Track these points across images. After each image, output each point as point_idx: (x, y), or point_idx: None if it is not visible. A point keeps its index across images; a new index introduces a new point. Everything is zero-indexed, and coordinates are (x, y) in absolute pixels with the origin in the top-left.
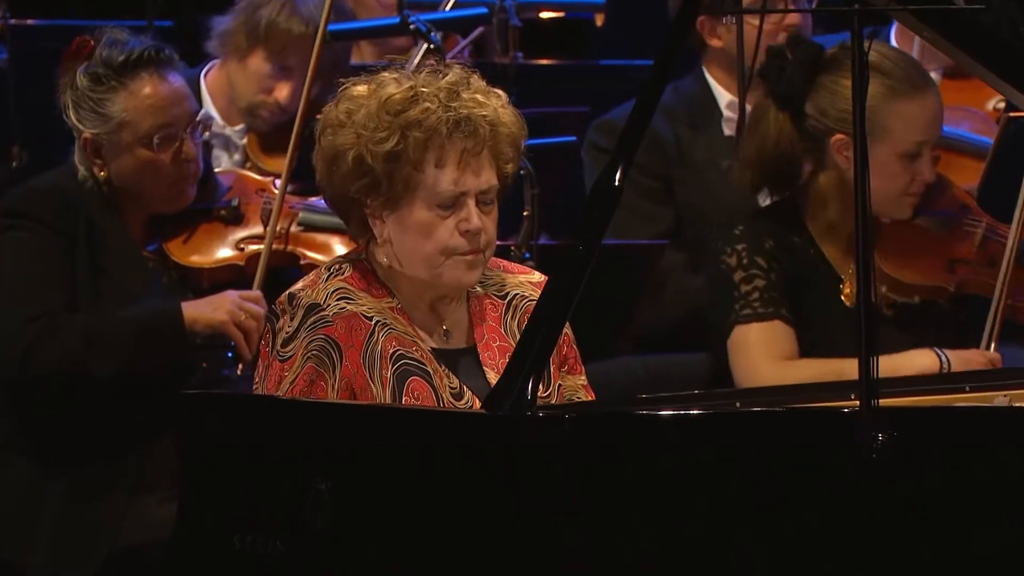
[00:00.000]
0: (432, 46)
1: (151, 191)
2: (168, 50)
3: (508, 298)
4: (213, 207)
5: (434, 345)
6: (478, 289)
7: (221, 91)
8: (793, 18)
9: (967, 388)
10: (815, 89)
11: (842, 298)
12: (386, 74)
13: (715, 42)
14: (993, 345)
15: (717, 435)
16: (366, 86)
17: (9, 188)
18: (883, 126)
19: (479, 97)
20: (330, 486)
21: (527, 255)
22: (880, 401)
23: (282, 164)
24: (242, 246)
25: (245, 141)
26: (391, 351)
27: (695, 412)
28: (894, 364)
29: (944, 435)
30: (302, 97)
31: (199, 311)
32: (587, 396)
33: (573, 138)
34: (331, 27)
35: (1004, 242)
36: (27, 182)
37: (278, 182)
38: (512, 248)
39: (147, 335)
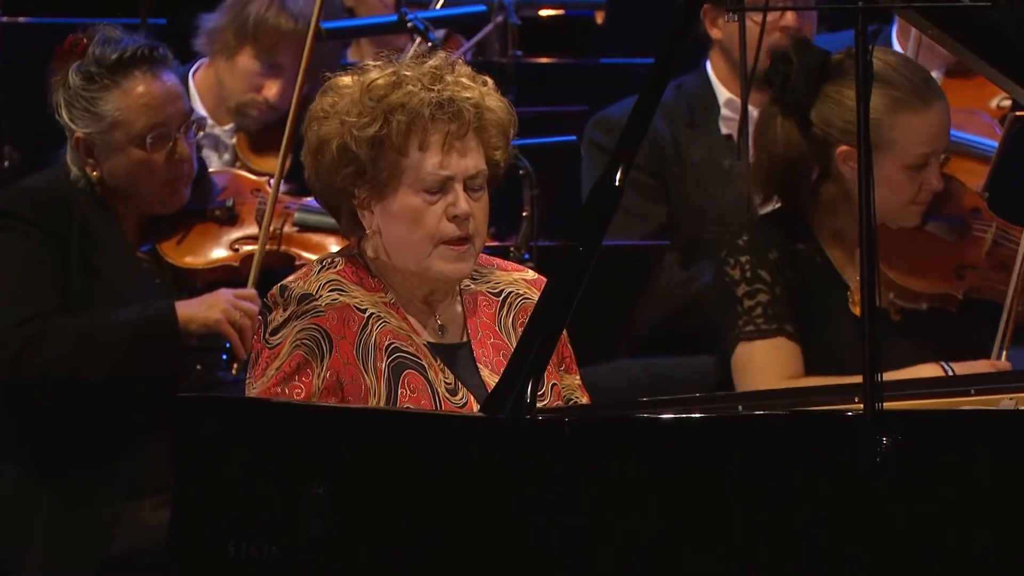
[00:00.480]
0: (431, 44)
1: (144, 191)
2: (162, 49)
3: (502, 295)
4: (207, 207)
5: (429, 339)
6: (472, 286)
7: (210, 90)
8: (789, 19)
9: (972, 391)
10: (819, 98)
11: (849, 305)
12: (370, 62)
13: (715, 32)
14: (1004, 353)
15: (719, 439)
16: (350, 77)
17: (0, 188)
18: (888, 138)
19: (464, 80)
20: (327, 491)
21: (526, 256)
22: (885, 404)
23: (273, 163)
24: (236, 247)
25: (235, 140)
26: (386, 343)
27: (696, 416)
28: (901, 377)
29: (949, 438)
30: (294, 96)
31: (193, 311)
32: (583, 396)
33: (573, 137)
34: (327, 25)
35: (1015, 246)
36: (18, 182)
37: (272, 182)
38: (511, 249)
39: (141, 336)
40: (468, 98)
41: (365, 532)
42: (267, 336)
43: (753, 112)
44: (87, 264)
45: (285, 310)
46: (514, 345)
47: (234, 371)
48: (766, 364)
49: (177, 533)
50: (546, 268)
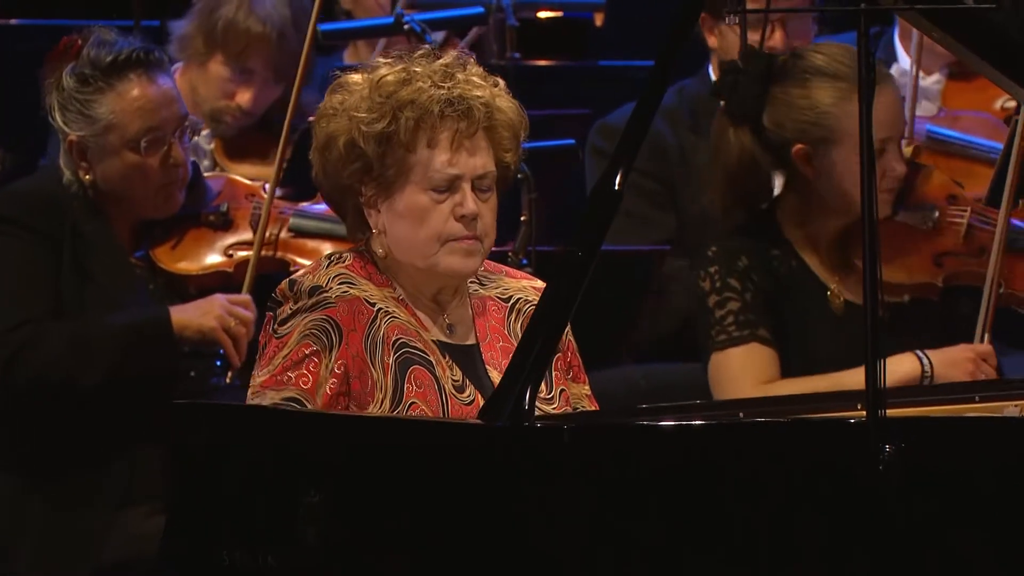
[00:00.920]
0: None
1: (138, 196)
2: (157, 52)
3: (511, 301)
4: (201, 212)
5: (437, 337)
6: (481, 290)
7: (185, 96)
8: (777, 41)
9: (977, 398)
10: (769, 102)
11: (831, 307)
12: (380, 59)
13: (711, 40)
14: (987, 336)
15: (720, 447)
16: (360, 74)
17: None
18: (840, 129)
19: (475, 79)
20: (322, 498)
21: (524, 261)
22: (887, 411)
23: (250, 169)
24: (231, 252)
25: (212, 146)
26: (394, 338)
27: (697, 423)
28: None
29: (953, 446)
30: (291, 101)
31: (188, 317)
32: (591, 406)
33: (572, 141)
34: (324, 27)
35: (992, 229)
36: (10, 185)
37: (267, 187)
38: (509, 254)
39: (135, 341)
40: (479, 96)
41: (361, 540)
42: (275, 327)
43: None
44: (80, 268)
45: (295, 303)
46: None
47: (228, 378)
48: (741, 371)
49: (170, 541)
50: (545, 273)
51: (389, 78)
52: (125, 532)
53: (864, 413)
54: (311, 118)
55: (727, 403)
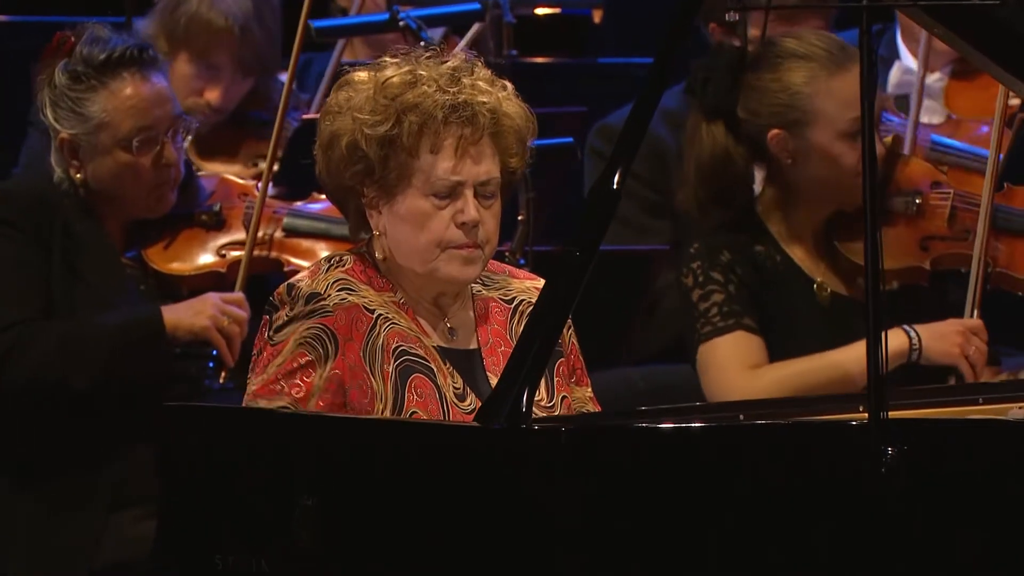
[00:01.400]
0: (423, 44)
1: (130, 196)
2: (151, 50)
3: (514, 303)
4: (194, 212)
5: (438, 343)
6: (483, 292)
7: None
8: None
9: (980, 400)
10: (743, 92)
11: (817, 300)
12: (388, 58)
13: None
14: (976, 312)
15: (720, 449)
16: (367, 72)
17: None
18: (814, 110)
19: (481, 84)
20: (317, 502)
21: (522, 261)
22: (889, 413)
23: (221, 167)
24: (224, 252)
25: (185, 145)
26: (393, 346)
27: (697, 425)
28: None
29: (956, 449)
30: (282, 99)
31: (180, 316)
32: (593, 408)
33: (570, 140)
34: (317, 24)
35: (976, 210)
36: (0, 184)
37: (260, 186)
38: (507, 254)
39: (126, 342)
40: (484, 103)
41: (356, 544)
42: (271, 334)
43: None
44: (70, 268)
45: (292, 309)
46: None
47: (221, 379)
48: (727, 359)
49: (163, 545)
50: (543, 274)
51: (395, 79)
52: (118, 535)
53: (866, 415)
54: (307, 115)
55: (727, 405)
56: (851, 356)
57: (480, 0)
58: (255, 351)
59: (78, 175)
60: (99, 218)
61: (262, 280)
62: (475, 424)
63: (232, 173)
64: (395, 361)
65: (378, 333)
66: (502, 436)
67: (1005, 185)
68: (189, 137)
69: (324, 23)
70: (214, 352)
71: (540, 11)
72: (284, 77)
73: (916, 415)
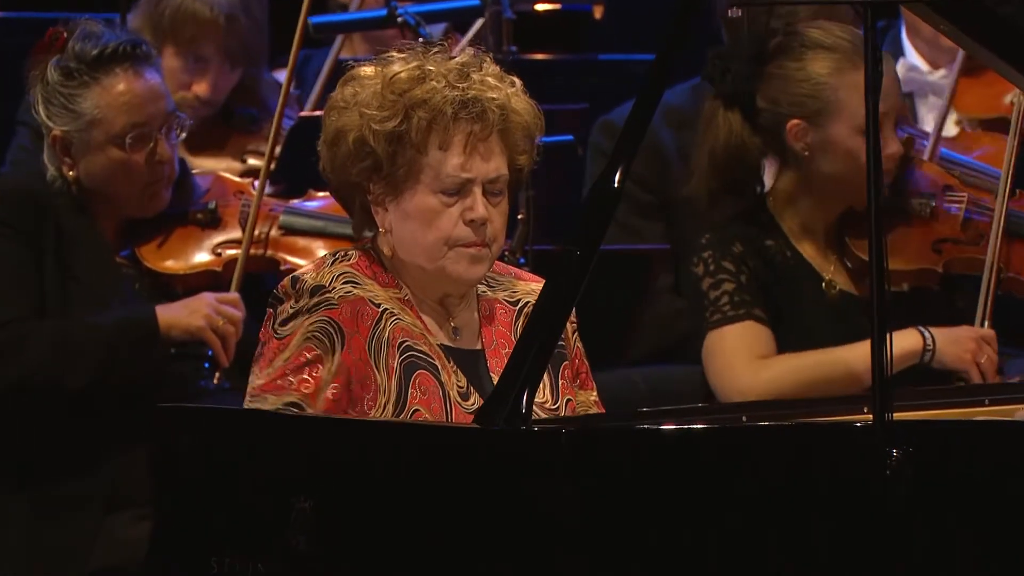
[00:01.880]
0: (421, 40)
1: (123, 193)
2: (145, 45)
3: (519, 304)
4: (189, 210)
5: (443, 341)
6: (489, 292)
7: None
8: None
9: (987, 401)
10: (764, 80)
11: (826, 297)
12: (395, 53)
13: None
14: (987, 322)
15: (722, 451)
16: (373, 67)
17: None
18: (835, 101)
19: (491, 80)
20: (313, 505)
21: (522, 260)
22: (895, 415)
23: (212, 162)
24: (219, 251)
25: None
26: (399, 340)
27: (699, 427)
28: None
29: (962, 450)
30: (281, 95)
31: (175, 316)
32: (598, 412)
33: (570, 137)
34: (315, 20)
35: (990, 217)
36: None
37: (257, 184)
38: (506, 253)
39: (120, 341)
40: (493, 99)
41: (353, 547)
42: (276, 327)
43: None
44: (63, 267)
45: (297, 301)
46: None
47: (216, 380)
48: (736, 347)
49: (157, 548)
50: (542, 273)
51: (403, 75)
52: (113, 537)
53: (870, 416)
54: (304, 113)
55: (730, 406)
56: (859, 354)
57: None
58: (260, 343)
59: (71, 173)
60: (93, 217)
61: (258, 279)
62: (474, 425)
63: (221, 169)
64: (400, 356)
65: (383, 327)
66: (501, 437)
67: (1018, 192)
68: (183, 134)
69: (322, 19)
70: (209, 352)
71: (540, 7)
72: (278, 73)
73: (921, 416)
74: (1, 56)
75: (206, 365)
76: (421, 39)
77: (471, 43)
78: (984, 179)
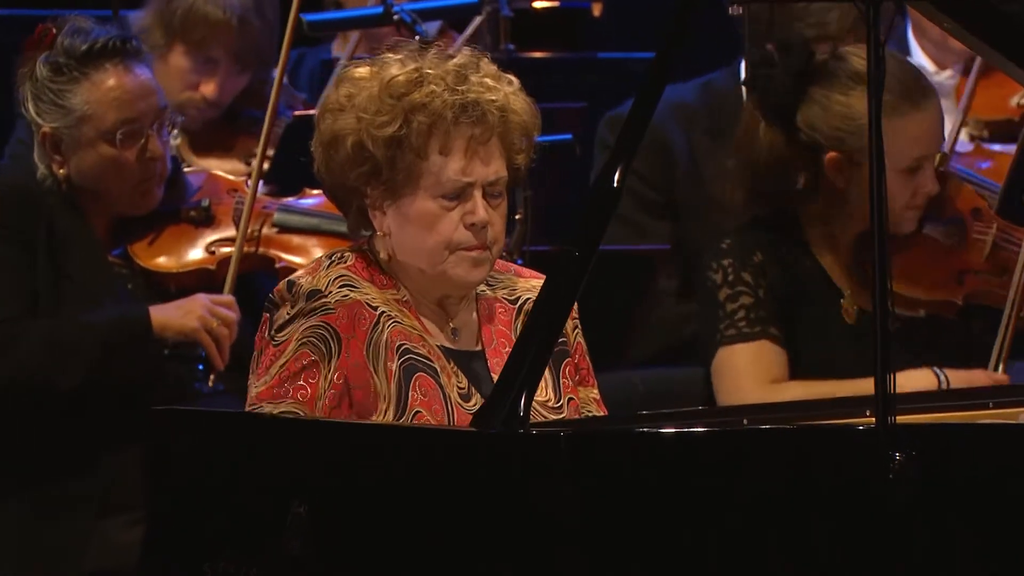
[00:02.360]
0: (418, 38)
1: (114, 191)
2: (135, 41)
3: (519, 302)
4: (182, 208)
5: (442, 343)
6: (488, 291)
7: None
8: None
9: (991, 404)
10: (805, 101)
11: (842, 314)
12: (390, 55)
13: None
14: (1002, 366)
15: (723, 455)
16: (368, 68)
17: None
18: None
19: (489, 81)
20: (308, 509)
21: (519, 261)
22: (897, 418)
23: (216, 163)
24: (213, 249)
25: (177, 142)
26: (397, 343)
27: (699, 430)
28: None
29: (966, 454)
30: (272, 94)
31: (169, 317)
32: (599, 410)
33: (569, 136)
34: (309, 17)
35: (1016, 248)
36: None
37: (250, 182)
38: (504, 254)
39: (113, 342)
40: (493, 101)
41: (348, 552)
42: (272, 333)
43: None
44: (55, 266)
45: (293, 306)
46: None
47: (210, 383)
48: (747, 368)
49: (150, 553)
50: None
51: (400, 78)
52: (106, 541)
53: (873, 420)
54: (298, 112)
55: (730, 409)
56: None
57: None
58: (256, 349)
59: (61, 170)
60: (84, 215)
61: (252, 277)
62: (471, 428)
63: (226, 171)
64: (399, 359)
65: (381, 330)
66: (500, 440)
67: None
68: (175, 131)
69: (316, 17)
70: (203, 354)
71: (538, 4)
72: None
73: (925, 420)
74: None
75: (200, 367)
76: (417, 36)
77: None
78: (990, 194)
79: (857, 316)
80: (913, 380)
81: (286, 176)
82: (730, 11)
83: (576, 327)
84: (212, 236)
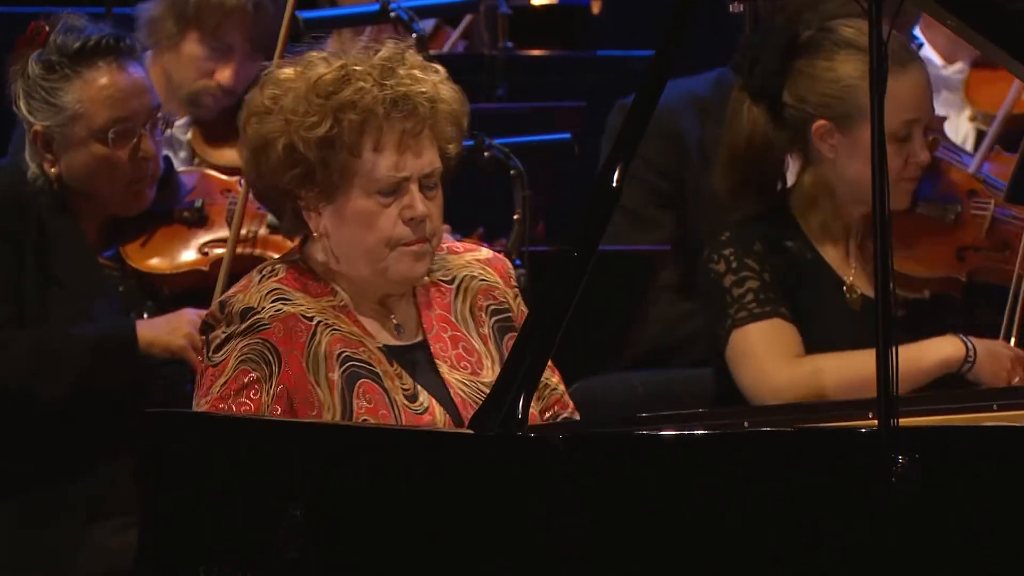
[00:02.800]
0: (416, 35)
1: (106, 191)
2: (129, 39)
3: (456, 282)
4: (174, 209)
5: (385, 342)
6: (424, 278)
7: (157, 86)
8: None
9: (995, 406)
10: (792, 75)
11: (847, 302)
12: (314, 54)
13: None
14: (1013, 339)
15: (724, 457)
16: (292, 68)
17: None
18: (864, 105)
19: (416, 73)
20: (304, 512)
21: (518, 261)
22: (900, 420)
23: (233, 155)
24: (206, 250)
25: (189, 136)
26: (336, 352)
27: (699, 432)
28: (919, 352)
29: (971, 456)
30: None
31: (156, 334)
32: (551, 373)
33: (567, 135)
34: (306, 15)
35: (1017, 223)
36: None
37: (243, 181)
38: (504, 254)
39: (98, 356)
40: (423, 92)
41: (344, 556)
42: (210, 354)
43: None
44: (44, 269)
45: (228, 325)
46: (474, 334)
47: None
48: (766, 346)
49: (143, 557)
50: (540, 274)
51: (327, 77)
52: (99, 545)
53: (876, 422)
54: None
55: (731, 411)
56: (911, 355)
57: None
58: (197, 373)
59: (52, 169)
60: (75, 216)
61: None
62: (469, 431)
63: (237, 162)
64: (340, 368)
65: (319, 341)
66: (497, 443)
67: None
68: (168, 130)
69: (312, 14)
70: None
71: (536, 2)
72: None
73: (928, 422)
74: None
75: (191, 369)
76: (414, 35)
77: (459, 38)
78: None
79: (860, 303)
80: (942, 347)
81: None
82: (731, 8)
83: (517, 295)
84: (205, 237)
